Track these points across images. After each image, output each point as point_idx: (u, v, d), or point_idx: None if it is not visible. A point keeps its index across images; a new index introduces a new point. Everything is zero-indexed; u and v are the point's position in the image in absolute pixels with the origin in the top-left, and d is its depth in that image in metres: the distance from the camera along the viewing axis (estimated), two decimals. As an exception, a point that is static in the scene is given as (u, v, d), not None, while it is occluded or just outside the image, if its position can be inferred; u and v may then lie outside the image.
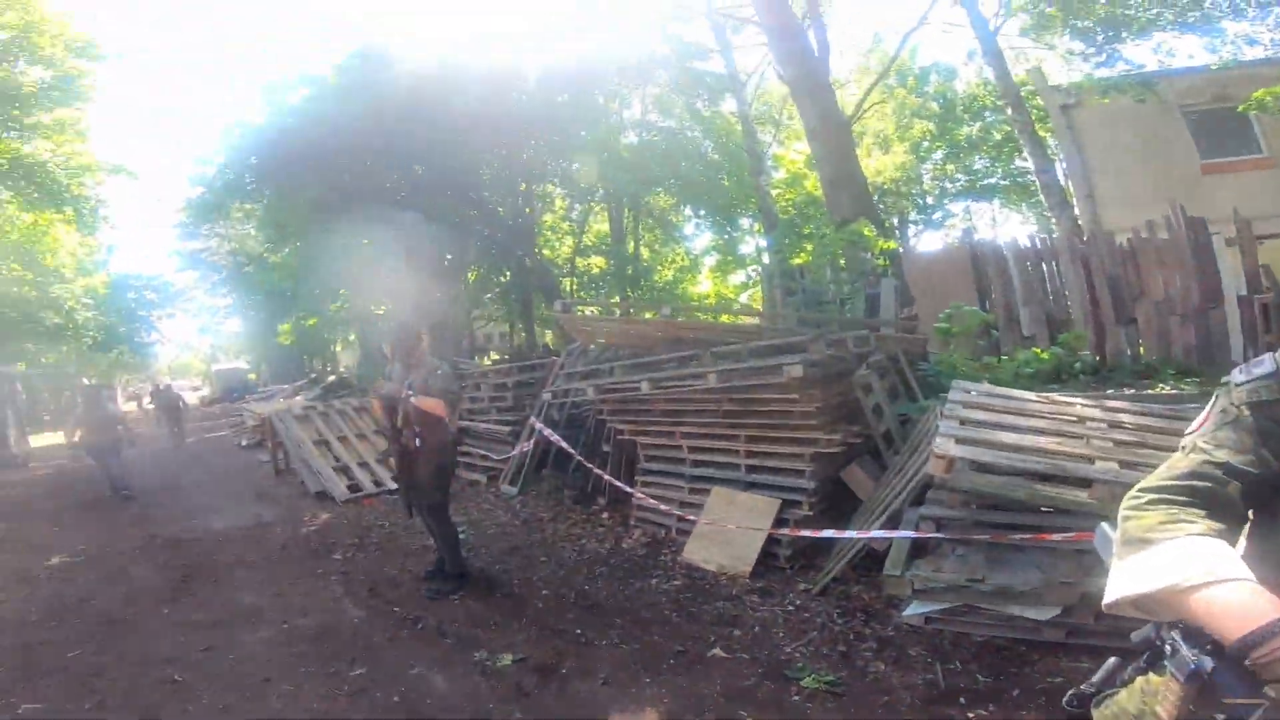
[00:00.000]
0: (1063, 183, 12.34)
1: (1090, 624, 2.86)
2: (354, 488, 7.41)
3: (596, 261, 18.60)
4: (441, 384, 4.18)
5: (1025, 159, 16.85)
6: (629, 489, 5.21)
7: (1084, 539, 2.82)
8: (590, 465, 5.58)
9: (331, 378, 20.93)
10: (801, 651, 3.22)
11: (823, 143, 10.09)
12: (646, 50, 13.76)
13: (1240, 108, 10.30)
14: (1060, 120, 12.86)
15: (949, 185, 19.92)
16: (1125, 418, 3.61)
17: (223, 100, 56.49)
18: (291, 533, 6.22)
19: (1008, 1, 12.90)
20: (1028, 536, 2.99)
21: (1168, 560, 0.97)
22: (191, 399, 32.85)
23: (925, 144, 19.70)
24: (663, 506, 4.89)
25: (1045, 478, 3.01)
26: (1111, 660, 1.27)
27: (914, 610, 3.11)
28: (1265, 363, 1.09)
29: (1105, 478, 2.84)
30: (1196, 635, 0.95)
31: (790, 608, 3.69)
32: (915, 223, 19.77)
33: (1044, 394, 4.18)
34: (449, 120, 11.04)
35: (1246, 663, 0.88)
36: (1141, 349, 6.66)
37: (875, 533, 3.53)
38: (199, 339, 48.34)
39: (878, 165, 19.19)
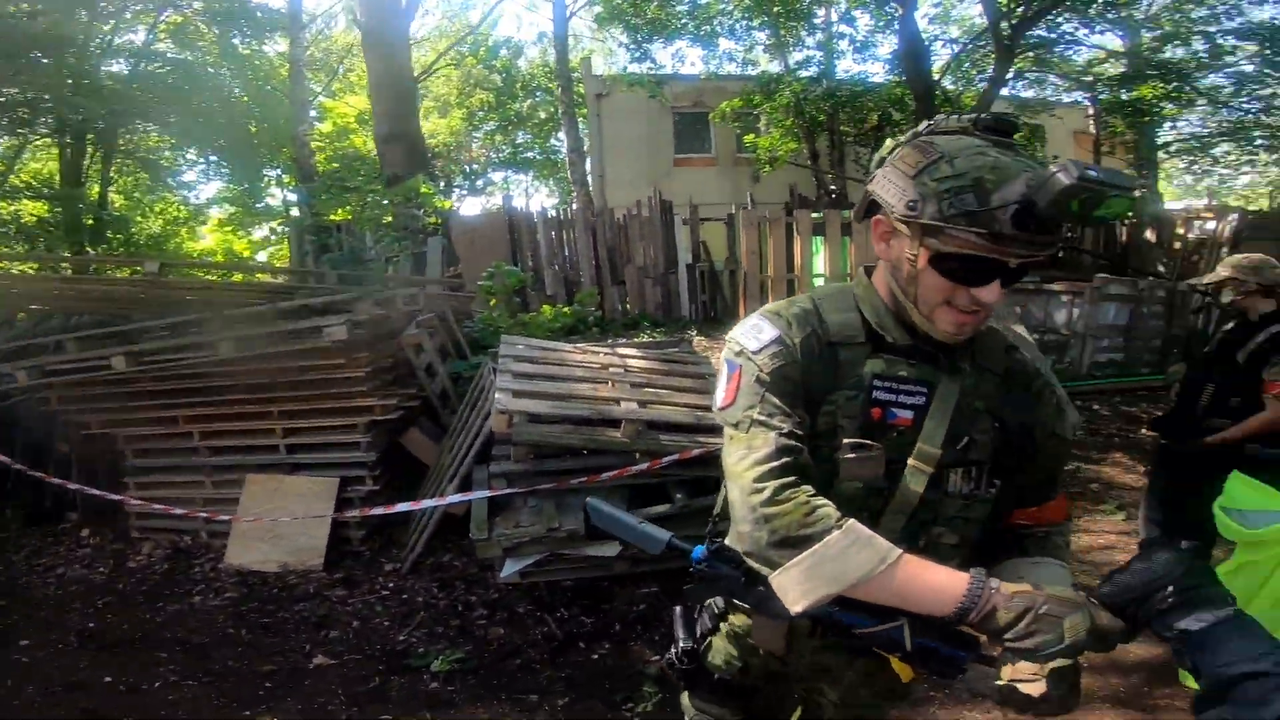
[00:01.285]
0: (585, 163, 14.49)
1: (645, 554, 3.30)
2: None
3: (34, 208, 13.48)
4: None
5: (560, 138, 19.12)
6: (116, 496, 4.06)
7: (625, 474, 3.15)
8: (42, 475, 4.12)
9: None
10: (416, 636, 3.05)
11: (386, 98, 9.66)
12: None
13: (710, 116, 13.40)
14: (593, 107, 14.88)
15: (494, 155, 21.35)
16: (633, 363, 4.08)
17: None
18: None
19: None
20: (584, 479, 3.18)
21: (840, 552, 0.98)
22: None
23: (481, 113, 20.50)
24: (178, 510, 4.00)
25: (588, 422, 3.27)
26: (676, 610, 1.35)
27: (510, 569, 3.12)
28: (764, 328, 1.12)
29: (630, 416, 3.22)
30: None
31: (385, 593, 3.45)
32: (460, 188, 20.68)
33: (576, 345, 4.60)
34: None
35: (962, 627, 0.97)
36: (628, 305, 8.43)
37: (452, 498, 3.41)
38: None
39: (433, 128, 19.21)
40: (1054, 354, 6.96)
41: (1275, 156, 12.59)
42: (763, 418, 1.05)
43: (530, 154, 21.18)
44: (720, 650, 1.33)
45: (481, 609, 3.25)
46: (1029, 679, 0.98)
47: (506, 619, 3.15)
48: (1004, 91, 11.31)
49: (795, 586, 0.99)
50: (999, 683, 0.99)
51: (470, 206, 20.52)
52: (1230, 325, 2.95)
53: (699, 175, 14.30)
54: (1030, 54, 11.18)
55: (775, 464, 1.02)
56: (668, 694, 2.57)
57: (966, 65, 12.29)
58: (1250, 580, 1.63)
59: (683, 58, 17.84)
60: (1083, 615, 0.91)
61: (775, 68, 13.38)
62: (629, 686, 2.70)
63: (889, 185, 1.04)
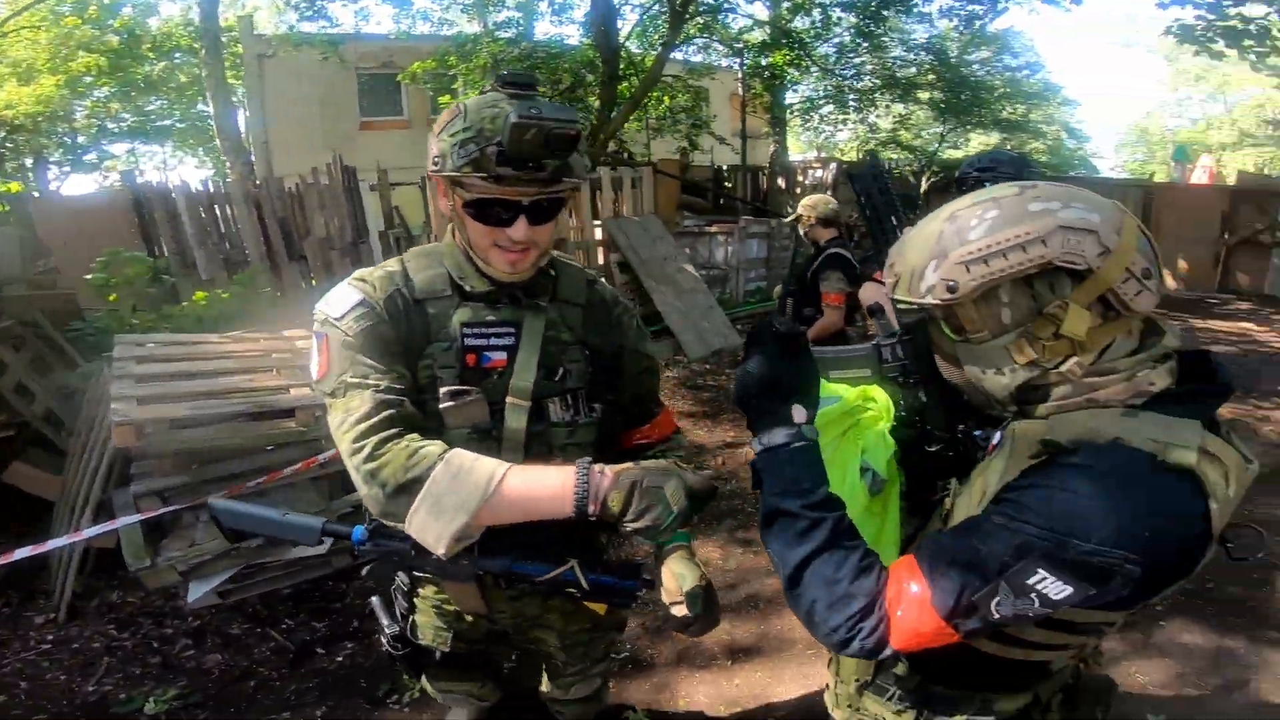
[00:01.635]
0: (242, 130, 12.53)
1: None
2: None
3: None
4: None
5: (209, 103, 16.24)
6: None
7: (312, 465, 2.93)
8: None
9: None
10: (109, 683, 2.58)
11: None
12: None
13: (399, 77, 12.42)
14: (253, 69, 13.21)
15: (112, 125, 17.39)
16: (302, 344, 3.75)
17: None
18: None
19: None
20: (262, 480, 2.89)
21: (450, 482, 0.99)
22: None
23: (89, 79, 16.31)
24: None
25: (254, 417, 3.00)
26: (373, 600, 1.32)
27: (198, 592, 2.74)
28: (348, 294, 1.13)
29: (303, 403, 3.01)
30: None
31: (46, 647, 2.88)
32: (59, 164, 16.56)
33: (227, 334, 4.08)
34: None
35: (590, 516, 0.99)
36: (313, 280, 7.62)
37: (88, 531, 2.85)
38: None
39: (10, 97, 14.84)
40: (718, 286, 8.07)
41: (860, 115, 16.06)
42: (356, 380, 1.06)
43: (167, 122, 17.69)
44: (426, 626, 1.32)
45: (185, 639, 2.89)
46: (678, 603, 1.15)
47: (221, 644, 2.85)
48: (678, 55, 12.39)
49: (430, 529, 0.99)
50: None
51: (79, 185, 16.75)
52: (811, 251, 3.68)
53: (390, 138, 13.41)
54: (699, 20, 12.28)
55: (374, 419, 1.03)
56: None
57: (650, 30, 13.13)
58: None
59: (367, 16, 16.26)
60: (676, 481, 0.99)
61: (474, 29, 12.93)
62: (389, 678, 2.61)
63: (429, 146, 1.11)
